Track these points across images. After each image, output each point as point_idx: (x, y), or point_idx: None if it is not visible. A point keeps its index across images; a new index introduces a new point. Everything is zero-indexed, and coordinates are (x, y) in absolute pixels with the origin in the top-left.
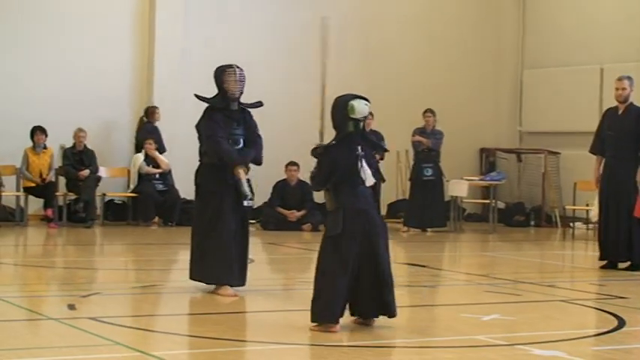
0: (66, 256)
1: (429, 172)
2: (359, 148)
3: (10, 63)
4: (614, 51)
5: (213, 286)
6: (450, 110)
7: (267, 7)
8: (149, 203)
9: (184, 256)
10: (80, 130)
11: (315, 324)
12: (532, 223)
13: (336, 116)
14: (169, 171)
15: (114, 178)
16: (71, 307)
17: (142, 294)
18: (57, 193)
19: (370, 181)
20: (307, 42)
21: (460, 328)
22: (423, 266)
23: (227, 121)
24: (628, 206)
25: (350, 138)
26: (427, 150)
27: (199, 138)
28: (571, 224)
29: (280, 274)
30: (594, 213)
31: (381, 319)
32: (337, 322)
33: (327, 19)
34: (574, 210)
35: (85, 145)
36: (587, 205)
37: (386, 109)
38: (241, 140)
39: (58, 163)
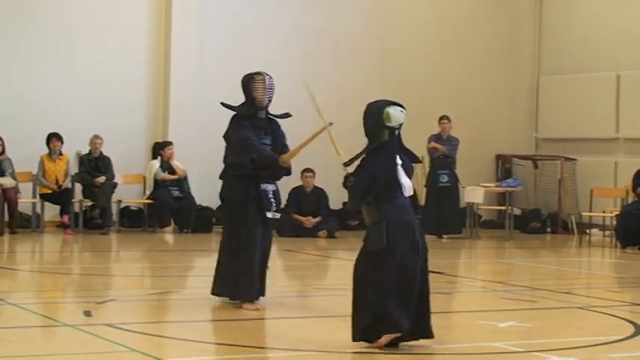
0: (82, 263)
1: (445, 178)
2: (397, 156)
3: (26, 70)
4: (630, 58)
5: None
6: (465, 117)
7: (281, 16)
8: (165, 210)
9: (200, 263)
10: (96, 136)
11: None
12: (548, 229)
13: (369, 124)
14: (185, 177)
15: (130, 185)
16: (87, 313)
17: (157, 300)
18: (73, 200)
19: (409, 191)
20: (322, 50)
21: (477, 335)
22: (440, 273)
23: (255, 130)
24: None
25: (386, 147)
26: (443, 156)
27: (227, 148)
28: (587, 231)
29: (296, 280)
30: None
31: None
32: (400, 331)
33: (308, 82)
34: (590, 217)
35: (101, 152)
36: (604, 212)
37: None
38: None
39: (74, 169)
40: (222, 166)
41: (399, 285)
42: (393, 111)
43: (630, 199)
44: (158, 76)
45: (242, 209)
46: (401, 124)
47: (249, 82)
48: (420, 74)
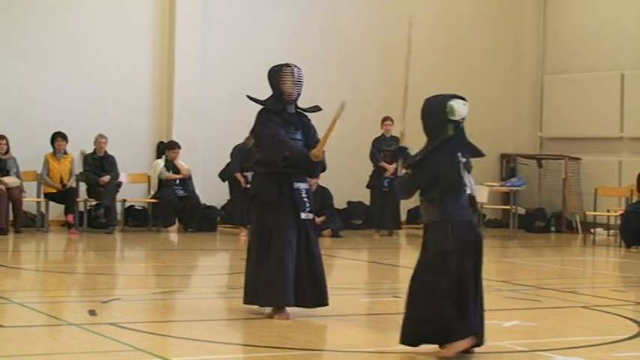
0: (86, 262)
1: None
2: (459, 154)
3: (31, 70)
4: (634, 57)
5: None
6: (470, 116)
7: (285, 17)
8: (169, 209)
9: (204, 262)
10: (101, 136)
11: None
12: (552, 229)
13: (430, 120)
14: (189, 177)
15: (134, 184)
16: (92, 312)
17: (162, 300)
18: (77, 199)
19: (472, 189)
20: (327, 51)
21: None
22: None
23: (284, 125)
24: None
25: (451, 144)
26: None
27: (256, 144)
28: (592, 230)
29: None
30: None
31: None
32: (470, 336)
33: (411, 24)
34: (595, 216)
35: (105, 151)
36: (608, 211)
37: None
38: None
39: (78, 169)
40: (225, 164)
41: (458, 289)
42: (456, 104)
43: (635, 199)
44: (162, 76)
45: (274, 210)
46: (464, 118)
47: (276, 74)
48: (425, 74)
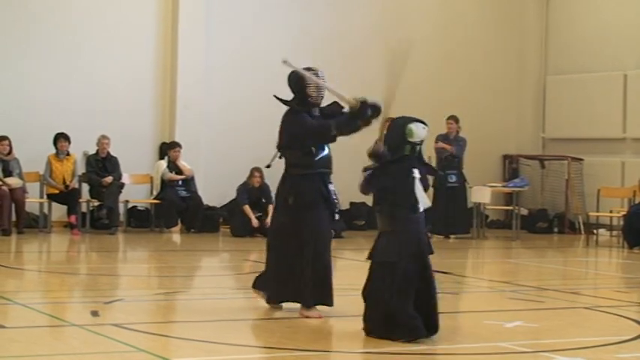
0: (89, 263)
1: (453, 178)
2: (415, 171)
3: (33, 71)
4: (637, 57)
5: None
6: (472, 117)
7: (289, 17)
8: (172, 210)
9: (207, 263)
10: (104, 137)
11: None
12: (555, 229)
13: (391, 138)
14: (192, 177)
15: (137, 185)
16: (94, 313)
17: (164, 300)
18: (80, 200)
19: (425, 204)
20: (330, 50)
21: (483, 335)
22: (447, 273)
23: None
24: None
25: (406, 160)
26: (450, 157)
27: (290, 145)
28: (594, 231)
29: None
30: None
31: None
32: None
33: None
34: (597, 217)
35: (108, 152)
36: (611, 212)
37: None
38: (326, 147)
39: (81, 169)
40: (229, 166)
41: (406, 292)
42: (415, 127)
43: (638, 199)
44: (165, 76)
45: (315, 211)
46: (422, 140)
47: (300, 79)
48: (427, 74)
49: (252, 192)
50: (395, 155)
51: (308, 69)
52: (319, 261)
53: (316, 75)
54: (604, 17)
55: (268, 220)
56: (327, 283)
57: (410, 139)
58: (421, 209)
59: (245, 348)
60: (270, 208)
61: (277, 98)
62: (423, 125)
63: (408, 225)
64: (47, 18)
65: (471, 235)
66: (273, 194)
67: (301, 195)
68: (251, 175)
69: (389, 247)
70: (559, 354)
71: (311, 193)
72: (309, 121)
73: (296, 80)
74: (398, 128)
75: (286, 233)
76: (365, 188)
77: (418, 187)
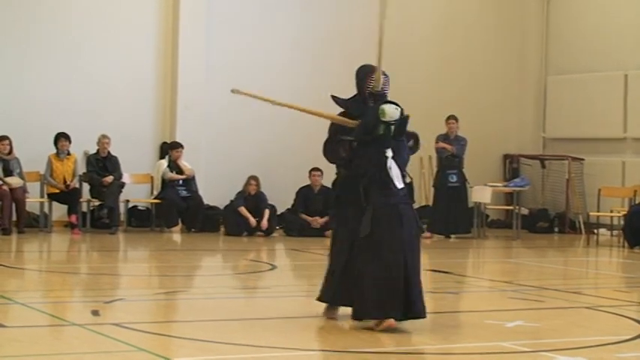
0: (90, 262)
1: (454, 178)
2: (388, 150)
3: (34, 70)
4: (638, 57)
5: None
6: (473, 116)
7: (289, 17)
8: (172, 209)
9: (207, 263)
10: (104, 136)
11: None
12: (556, 229)
13: (368, 119)
14: (193, 177)
15: (137, 185)
16: (95, 313)
17: (165, 300)
18: (81, 200)
19: (399, 182)
20: (330, 50)
21: (484, 335)
22: (447, 272)
23: None
24: None
25: (379, 141)
26: (451, 156)
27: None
28: (595, 231)
29: (303, 280)
30: None
31: (407, 324)
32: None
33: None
34: (598, 216)
35: (108, 152)
36: (611, 212)
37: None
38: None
39: (81, 169)
40: (229, 166)
41: (386, 273)
42: (387, 107)
43: (638, 199)
44: (166, 76)
45: (355, 210)
46: (396, 120)
47: (364, 77)
48: (428, 74)
49: (248, 199)
50: (370, 136)
51: (373, 71)
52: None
53: (383, 75)
54: (605, 17)
55: (264, 222)
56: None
57: (383, 119)
58: (398, 186)
59: (246, 347)
60: (267, 212)
61: (333, 98)
62: (395, 106)
63: (382, 200)
64: (47, 18)
65: (471, 235)
66: (268, 202)
67: (343, 193)
68: (247, 184)
69: (365, 222)
70: (560, 353)
71: (352, 192)
72: (334, 129)
73: (359, 77)
74: (372, 110)
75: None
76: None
77: (392, 166)
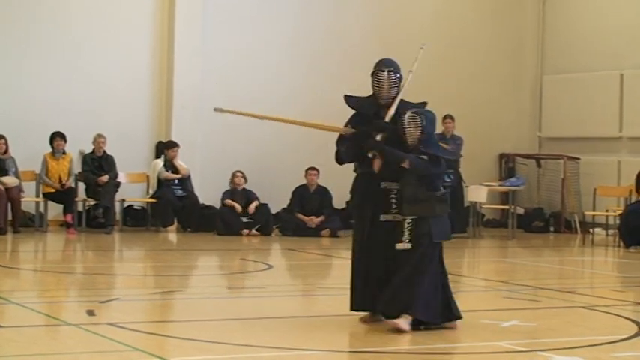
0: (85, 262)
1: (450, 178)
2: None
3: (30, 69)
4: (634, 56)
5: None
6: (469, 116)
7: (285, 16)
8: (168, 209)
9: (203, 262)
10: (100, 135)
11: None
12: (551, 229)
13: (430, 129)
14: (188, 177)
15: (133, 184)
16: (90, 312)
17: (161, 299)
18: (76, 199)
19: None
20: (327, 49)
21: (480, 334)
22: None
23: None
24: None
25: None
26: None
27: None
28: (590, 230)
29: (299, 279)
30: None
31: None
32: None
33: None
34: (593, 216)
35: (104, 151)
36: (607, 211)
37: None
38: None
39: (77, 168)
40: (224, 164)
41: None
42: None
43: (634, 199)
44: (162, 76)
45: (359, 210)
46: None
47: (373, 75)
48: (424, 74)
49: (236, 195)
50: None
51: (380, 69)
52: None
53: (382, 77)
54: (601, 16)
55: (252, 207)
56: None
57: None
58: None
59: (241, 347)
60: (255, 202)
61: (346, 99)
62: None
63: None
64: (46, 18)
65: (467, 235)
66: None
67: (356, 194)
68: (233, 176)
69: (445, 227)
70: (555, 353)
71: (365, 194)
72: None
73: (372, 74)
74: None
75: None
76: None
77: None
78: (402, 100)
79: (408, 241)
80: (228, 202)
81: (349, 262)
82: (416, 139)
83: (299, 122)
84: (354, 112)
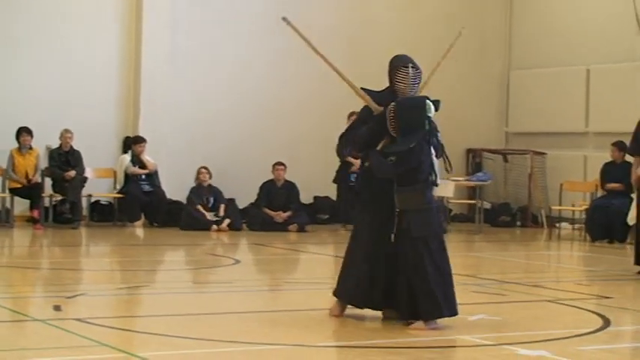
0: (52, 257)
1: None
2: (431, 147)
3: None
4: (600, 52)
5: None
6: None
7: (251, 10)
8: (135, 204)
9: (169, 257)
10: (67, 130)
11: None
12: (518, 223)
13: (409, 115)
14: (155, 172)
15: (100, 179)
16: (57, 308)
17: (127, 295)
18: (43, 194)
19: (438, 180)
20: (294, 44)
21: (447, 328)
22: None
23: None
24: None
25: (426, 136)
26: None
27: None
28: (557, 224)
29: (266, 274)
30: (632, 216)
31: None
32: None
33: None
34: (560, 210)
35: (71, 146)
36: (573, 206)
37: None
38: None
39: (44, 164)
40: (192, 158)
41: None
42: (430, 102)
43: (600, 193)
44: (129, 70)
45: (370, 208)
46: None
47: (394, 71)
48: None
49: (203, 192)
50: (415, 132)
51: (404, 65)
52: (351, 258)
53: (407, 74)
54: (568, 12)
55: (224, 225)
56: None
57: (428, 114)
58: (437, 183)
59: (209, 342)
60: (222, 207)
61: (363, 91)
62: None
63: (433, 199)
64: (9, 12)
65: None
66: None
67: (363, 190)
68: (198, 173)
69: (427, 221)
70: (522, 347)
71: (371, 189)
72: (352, 134)
73: (391, 69)
74: (417, 104)
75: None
76: (389, 173)
77: (435, 161)
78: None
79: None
80: (201, 209)
81: (317, 256)
82: (396, 129)
83: (350, 82)
84: (364, 106)
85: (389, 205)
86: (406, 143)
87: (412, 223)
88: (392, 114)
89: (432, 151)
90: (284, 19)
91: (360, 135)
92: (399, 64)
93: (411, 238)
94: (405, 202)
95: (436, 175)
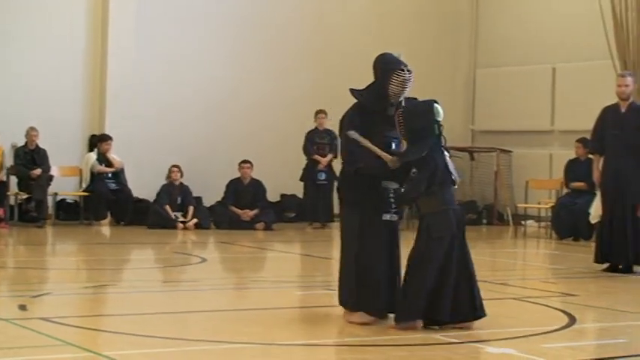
0: (17, 256)
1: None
2: (444, 149)
3: None
4: (565, 51)
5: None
6: None
7: (217, 5)
8: (101, 202)
9: (136, 256)
10: (32, 128)
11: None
12: (484, 221)
13: (420, 121)
14: (122, 169)
15: (66, 177)
16: (22, 307)
17: (93, 294)
18: (8, 193)
19: (457, 180)
20: (260, 41)
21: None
22: None
23: (381, 123)
24: (633, 206)
25: (439, 140)
26: None
27: (339, 135)
28: (523, 222)
29: (233, 273)
30: (595, 214)
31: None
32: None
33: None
34: (525, 208)
35: (37, 144)
36: (539, 203)
37: (337, 107)
38: (392, 144)
39: (9, 162)
40: (158, 156)
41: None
42: (438, 106)
43: (565, 191)
44: (95, 67)
45: (358, 209)
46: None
47: (387, 73)
48: (359, 66)
49: (173, 191)
50: (428, 137)
51: (400, 68)
52: (355, 266)
53: (403, 78)
54: (533, 11)
55: (191, 224)
56: (356, 288)
57: (438, 118)
58: (455, 184)
59: (174, 341)
60: (191, 209)
61: (352, 91)
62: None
63: (452, 201)
64: None
65: (401, 227)
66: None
67: (347, 193)
68: (170, 172)
69: (446, 222)
70: (489, 344)
71: (356, 192)
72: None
73: (382, 71)
74: (426, 109)
75: (341, 232)
76: (422, 186)
77: (450, 162)
78: (407, 98)
79: (394, 213)
80: (168, 209)
81: (284, 254)
82: (405, 135)
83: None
84: (355, 105)
85: (375, 205)
86: (418, 152)
87: (431, 224)
88: (400, 120)
89: (445, 152)
90: (349, 134)
91: (374, 167)
92: (394, 67)
93: (431, 238)
94: (425, 206)
95: (454, 175)
